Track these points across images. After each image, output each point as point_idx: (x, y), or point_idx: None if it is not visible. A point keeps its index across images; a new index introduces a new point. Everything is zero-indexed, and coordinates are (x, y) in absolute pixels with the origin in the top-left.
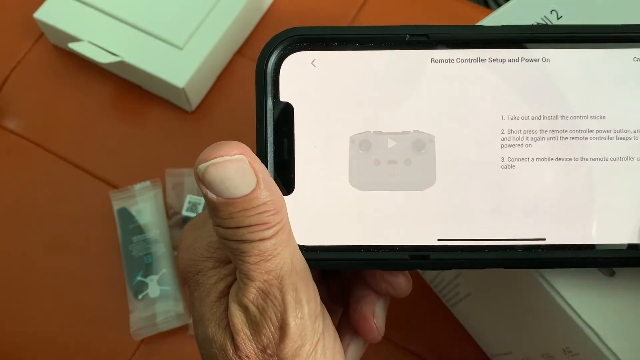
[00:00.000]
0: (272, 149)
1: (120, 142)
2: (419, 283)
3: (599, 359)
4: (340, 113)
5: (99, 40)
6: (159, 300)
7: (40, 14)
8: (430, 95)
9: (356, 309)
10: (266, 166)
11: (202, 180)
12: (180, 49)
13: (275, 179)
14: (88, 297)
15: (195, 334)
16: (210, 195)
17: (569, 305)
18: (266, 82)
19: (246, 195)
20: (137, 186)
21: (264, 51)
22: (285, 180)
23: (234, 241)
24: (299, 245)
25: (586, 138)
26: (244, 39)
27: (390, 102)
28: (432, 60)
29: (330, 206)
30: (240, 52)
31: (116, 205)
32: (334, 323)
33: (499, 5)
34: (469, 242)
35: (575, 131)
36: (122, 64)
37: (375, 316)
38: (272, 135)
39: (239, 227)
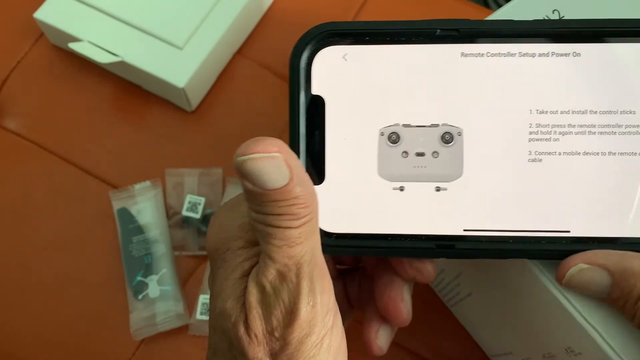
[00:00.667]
0: (304, 141)
1: (120, 142)
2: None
3: (602, 358)
4: (370, 106)
5: (99, 40)
6: (159, 300)
7: (40, 14)
8: (459, 89)
9: (384, 293)
10: (298, 156)
11: (239, 171)
12: (180, 49)
13: (306, 169)
14: (88, 297)
15: (212, 308)
16: (247, 183)
17: (571, 304)
18: (299, 76)
19: (279, 188)
20: (137, 186)
21: (297, 46)
22: (316, 170)
23: (263, 224)
24: (329, 232)
25: (614, 133)
26: (244, 39)
27: (420, 95)
28: (462, 54)
29: (359, 196)
30: (240, 52)
31: (116, 205)
32: (344, 325)
33: (499, 5)
34: (494, 232)
35: (604, 126)
36: (122, 64)
37: (403, 299)
38: (305, 127)
39: (270, 214)
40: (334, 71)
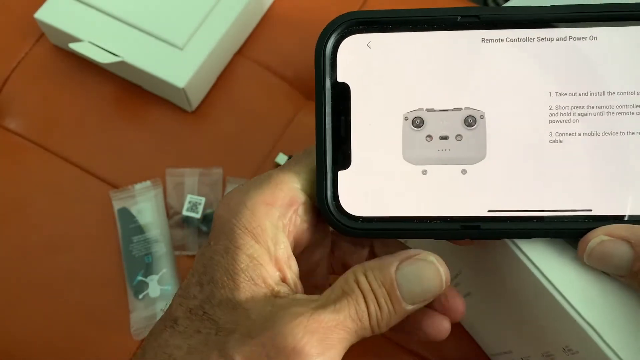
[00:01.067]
0: (330, 126)
1: (120, 142)
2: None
3: (599, 356)
4: (394, 92)
5: (99, 40)
6: (160, 300)
7: (41, 14)
8: (480, 73)
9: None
10: (324, 142)
11: None
12: (180, 49)
13: (332, 154)
14: (88, 297)
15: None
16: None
17: (569, 302)
18: (324, 64)
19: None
20: (138, 186)
21: (322, 35)
22: (342, 155)
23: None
24: (355, 215)
25: (633, 113)
26: (244, 39)
27: (442, 80)
28: (483, 40)
29: (385, 179)
30: (240, 52)
31: (117, 205)
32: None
33: (498, 5)
34: (517, 213)
35: (622, 106)
36: (122, 64)
37: (459, 291)
38: (330, 113)
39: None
40: (359, 58)
